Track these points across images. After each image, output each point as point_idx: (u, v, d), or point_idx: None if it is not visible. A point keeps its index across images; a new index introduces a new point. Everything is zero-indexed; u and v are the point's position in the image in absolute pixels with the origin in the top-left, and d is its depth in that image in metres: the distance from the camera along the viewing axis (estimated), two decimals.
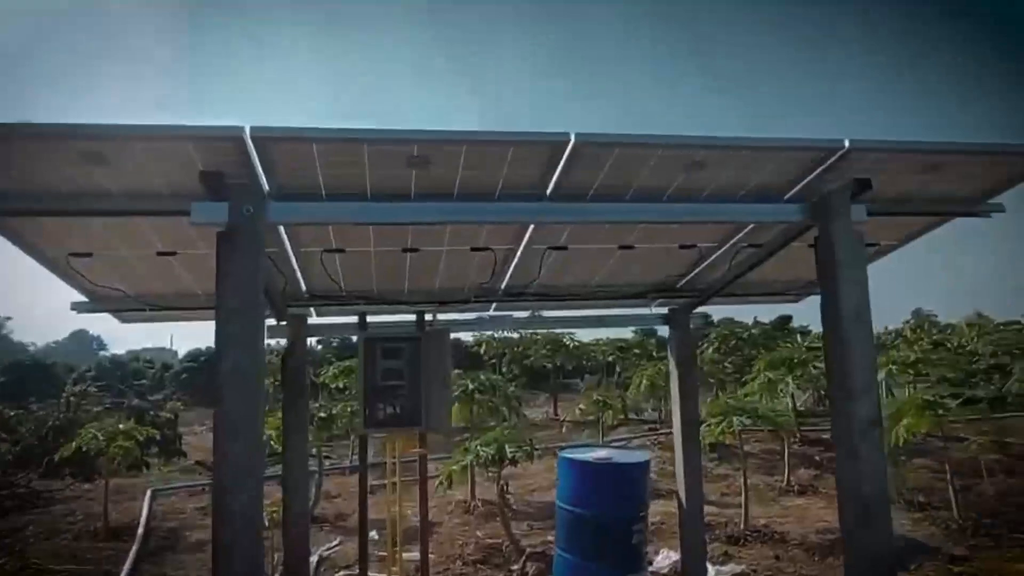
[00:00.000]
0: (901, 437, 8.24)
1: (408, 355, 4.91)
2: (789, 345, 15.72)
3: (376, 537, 7.72)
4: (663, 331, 5.94)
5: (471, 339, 31.24)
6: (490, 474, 8.20)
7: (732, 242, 4.41)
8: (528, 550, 7.48)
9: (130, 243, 3.68)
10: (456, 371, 14.62)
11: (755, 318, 25.07)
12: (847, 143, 3.31)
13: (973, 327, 24.44)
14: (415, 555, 6.07)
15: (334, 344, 34.57)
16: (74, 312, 4.48)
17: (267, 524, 8.16)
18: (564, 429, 17.57)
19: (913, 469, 10.73)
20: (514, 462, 7.63)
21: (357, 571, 5.49)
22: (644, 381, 16.00)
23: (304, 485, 5.11)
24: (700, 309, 5.66)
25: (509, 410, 12.03)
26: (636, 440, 14.90)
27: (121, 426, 10.54)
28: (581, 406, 14.93)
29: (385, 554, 5.56)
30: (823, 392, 15.97)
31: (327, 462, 13.00)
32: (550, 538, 7.44)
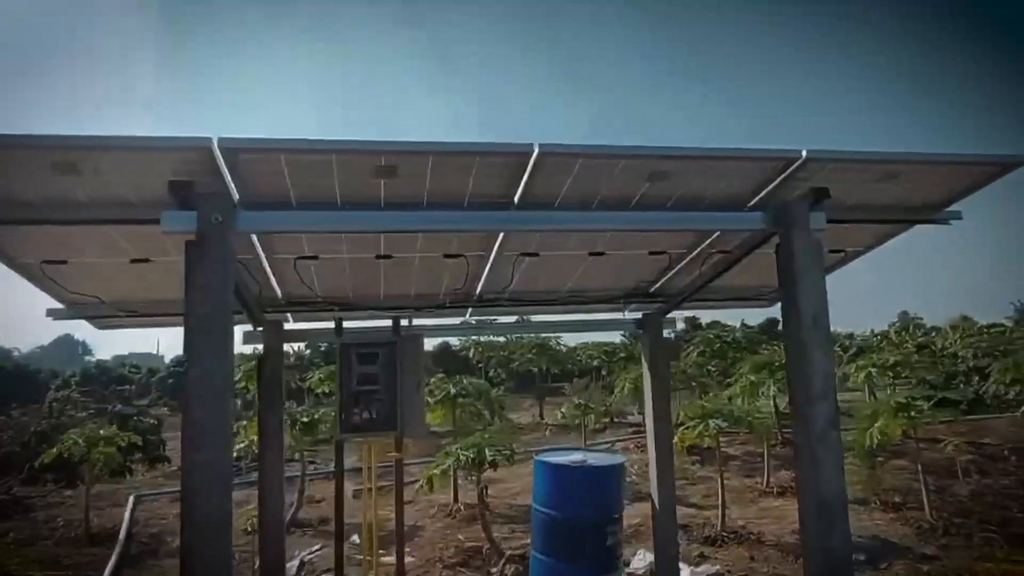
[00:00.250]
0: (875, 438, 8.36)
1: (383, 360, 4.96)
2: (773, 348, 15.85)
3: (358, 541, 7.76)
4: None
5: (457, 343, 31.37)
6: (472, 478, 8.26)
7: (700, 249, 4.50)
8: (508, 553, 7.55)
9: (104, 251, 3.73)
10: (440, 375, 14.66)
11: (743, 321, 25.29)
12: (804, 153, 3.40)
13: (957, 330, 24.74)
14: (394, 559, 6.12)
15: (321, 349, 34.50)
16: (50, 319, 4.50)
17: (249, 530, 8.24)
18: (548, 433, 17.65)
19: (891, 470, 10.87)
20: (494, 466, 7.69)
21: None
22: (627, 384, 16.10)
23: (280, 490, 5.14)
24: (677, 313, 5.75)
25: (492, 414, 12.08)
26: (620, 443, 15.00)
27: (103, 432, 10.51)
28: (563, 410, 15.00)
29: (368, 559, 5.61)
30: None
31: (312, 467, 13.01)
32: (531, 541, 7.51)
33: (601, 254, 4.46)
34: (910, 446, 10.60)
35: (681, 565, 6.44)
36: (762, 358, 13.59)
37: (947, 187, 3.96)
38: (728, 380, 15.27)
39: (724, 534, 7.90)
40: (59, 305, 4.44)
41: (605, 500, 5.51)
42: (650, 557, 6.96)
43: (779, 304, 5.69)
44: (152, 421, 16.81)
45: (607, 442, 15.20)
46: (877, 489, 9.58)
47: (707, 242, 4.41)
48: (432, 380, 12.85)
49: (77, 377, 37.84)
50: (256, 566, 6.64)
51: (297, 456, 10.96)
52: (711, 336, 20.14)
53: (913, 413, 8.19)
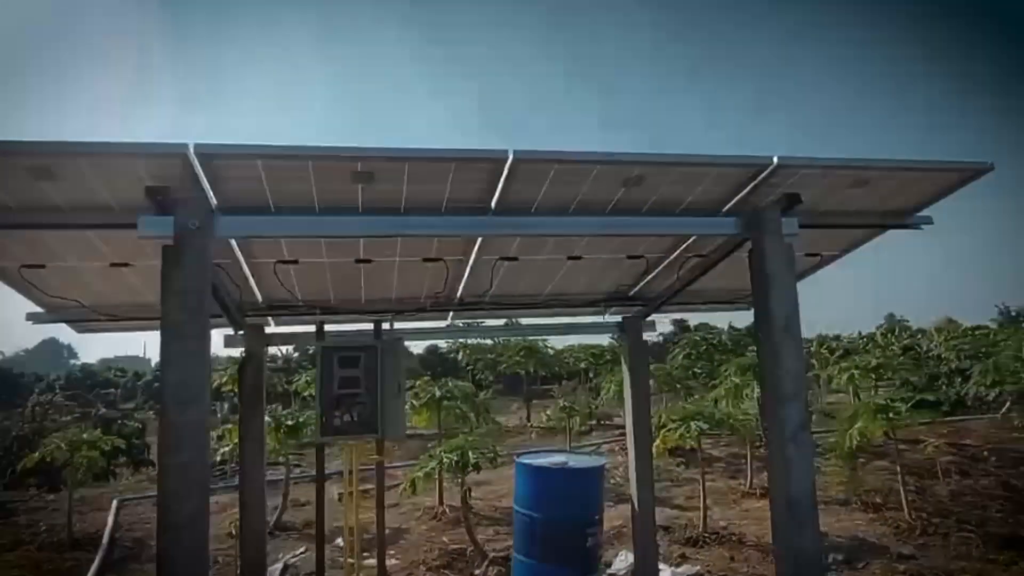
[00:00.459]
0: (855, 439, 8.45)
1: (365, 364, 4.98)
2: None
3: (342, 544, 7.77)
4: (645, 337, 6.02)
5: (445, 346, 31.34)
6: (457, 480, 8.28)
7: (677, 253, 4.56)
8: (492, 555, 7.58)
9: (83, 255, 3.75)
10: (426, 377, 14.66)
11: (730, 323, 25.43)
12: (776, 160, 3.47)
13: (942, 332, 24.98)
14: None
15: (309, 351, 34.37)
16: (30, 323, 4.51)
17: (233, 533, 8.23)
18: (535, 435, 17.69)
19: (873, 471, 10.97)
20: (477, 468, 7.71)
21: None
22: (613, 387, 16.16)
23: (261, 494, 5.16)
24: (665, 316, 5.82)
25: (478, 416, 12.09)
26: (606, 445, 15.05)
27: (86, 436, 10.44)
28: (548, 412, 15.05)
29: (351, 561, 5.63)
30: None
31: (297, 470, 12.98)
32: None
33: (579, 258, 4.52)
34: (892, 447, 10.73)
35: (662, 566, 6.51)
36: (747, 360, 13.66)
37: (917, 193, 4.05)
38: (714, 382, 15.36)
39: (705, 535, 7.95)
40: (39, 309, 4.45)
41: (585, 502, 5.56)
42: (631, 558, 7.01)
43: (749, 308, 5.82)
44: (137, 425, 16.68)
45: (593, 444, 15.26)
46: (859, 489, 9.66)
47: (683, 246, 4.47)
48: (418, 382, 12.85)
49: (61, 381, 37.58)
50: (238, 570, 6.65)
51: (282, 459, 10.94)
52: (697, 338, 20.26)
53: (892, 414, 8.29)
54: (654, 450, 8.20)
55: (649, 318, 5.71)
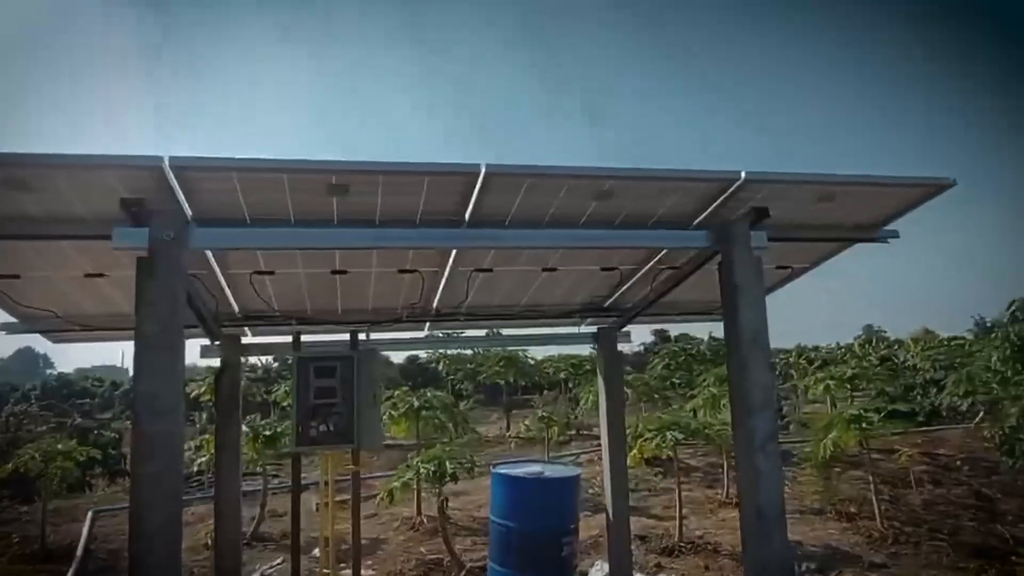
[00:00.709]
0: (828, 449, 8.56)
1: (341, 374, 5.01)
2: None
3: (319, 555, 7.74)
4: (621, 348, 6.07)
5: (425, 356, 31.33)
6: (435, 490, 8.29)
7: (650, 265, 4.63)
8: (469, 565, 7.60)
9: (57, 265, 3.75)
10: (405, 387, 14.65)
11: (710, 333, 25.59)
12: (743, 174, 3.55)
13: (918, 342, 25.26)
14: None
15: (289, 362, 34.15)
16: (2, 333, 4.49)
17: (209, 544, 8.18)
18: (514, 445, 17.71)
19: (848, 480, 11.10)
20: (454, 478, 7.73)
21: None
22: (591, 397, 16.23)
23: (237, 504, 5.15)
24: (645, 327, 5.89)
25: (456, 426, 12.11)
26: (584, 455, 15.09)
27: (61, 446, 10.34)
28: (526, 422, 15.08)
29: (327, 572, 5.62)
30: None
31: (275, 480, 12.92)
32: None
33: (554, 270, 4.58)
34: (867, 457, 10.88)
35: (637, 575, 6.56)
36: (725, 371, 13.76)
37: (882, 207, 4.14)
38: (692, 392, 15.48)
39: (681, 544, 8.01)
40: (13, 320, 4.44)
41: (561, 511, 5.61)
42: (608, 568, 7.05)
43: (722, 320, 5.90)
44: (113, 435, 16.56)
45: (572, 454, 15.29)
46: (833, 499, 9.78)
47: (656, 258, 4.55)
48: (396, 392, 12.84)
49: (37, 391, 37.05)
50: None
51: (260, 470, 10.89)
52: (676, 349, 20.41)
53: (865, 424, 8.40)
54: (631, 460, 8.27)
55: (624, 329, 5.78)
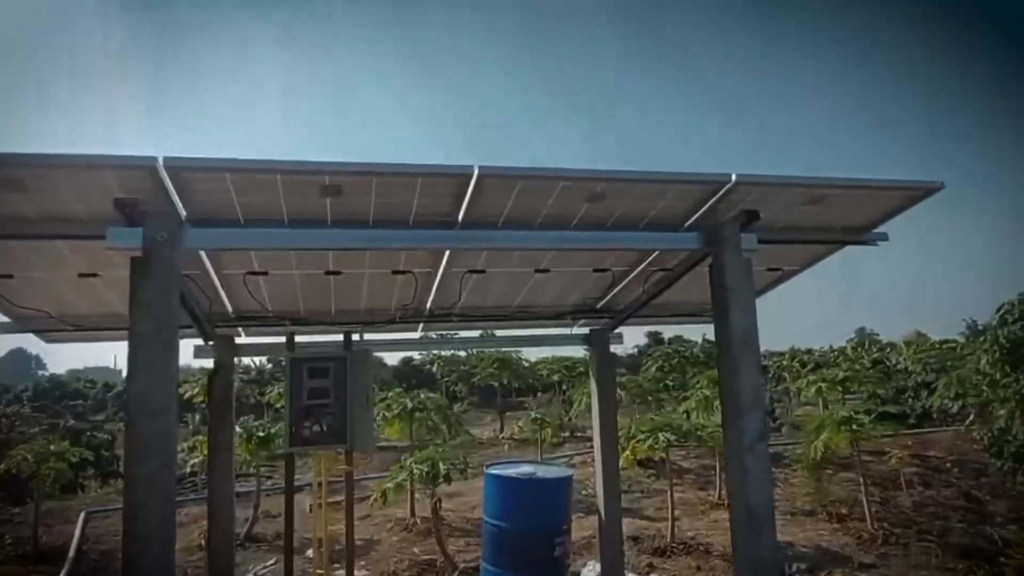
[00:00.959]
0: (819, 451, 8.62)
1: (334, 375, 5.03)
2: None
3: (312, 556, 7.75)
4: (614, 349, 6.07)
5: (419, 358, 31.33)
6: (428, 491, 8.30)
7: (642, 267, 4.66)
8: (462, 566, 7.61)
9: (52, 265, 3.76)
10: (399, 389, 14.66)
11: (704, 336, 25.64)
12: (734, 177, 3.58)
13: (911, 345, 25.37)
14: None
15: (283, 363, 34.07)
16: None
17: (203, 544, 8.17)
18: (508, 447, 17.72)
19: (839, 482, 11.15)
20: (448, 479, 7.75)
21: None
22: (585, 399, 16.27)
23: (230, 505, 5.16)
24: (639, 328, 5.92)
25: (450, 428, 12.13)
26: (578, 456, 15.12)
27: (53, 447, 10.31)
28: (519, 424, 15.12)
29: (320, 572, 5.63)
30: None
31: (269, 481, 12.89)
32: None
33: (547, 271, 4.61)
34: (858, 458, 10.94)
35: (629, 575, 6.58)
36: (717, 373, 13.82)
37: (871, 210, 4.18)
38: (685, 394, 15.52)
39: (673, 545, 8.04)
40: (6, 319, 4.44)
41: (553, 512, 5.63)
42: (600, 568, 7.08)
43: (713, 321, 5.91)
44: (106, 436, 16.51)
45: (566, 456, 15.31)
46: (824, 500, 9.83)
47: (648, 260, 4.58)
48: (390, 394, 12.85)
49: (29, 392, 36.92)
50: None
51: (254, 471, 10.88)
52: (670, 351, 20.46)
53: (855, 426, 8.46)
54: (624, 461, 8.31)
55: (616, 330, 5.80)
